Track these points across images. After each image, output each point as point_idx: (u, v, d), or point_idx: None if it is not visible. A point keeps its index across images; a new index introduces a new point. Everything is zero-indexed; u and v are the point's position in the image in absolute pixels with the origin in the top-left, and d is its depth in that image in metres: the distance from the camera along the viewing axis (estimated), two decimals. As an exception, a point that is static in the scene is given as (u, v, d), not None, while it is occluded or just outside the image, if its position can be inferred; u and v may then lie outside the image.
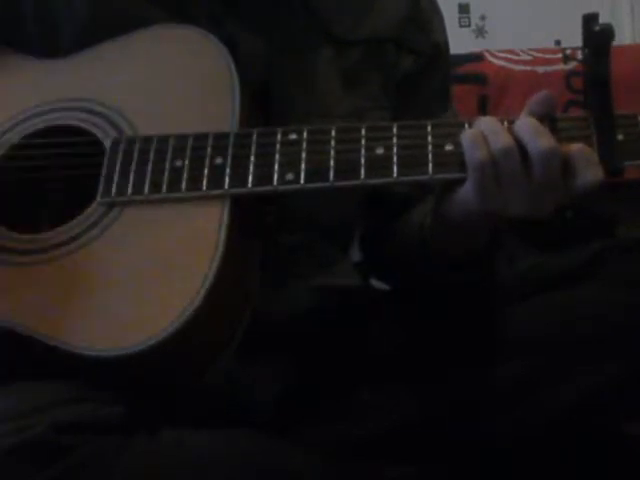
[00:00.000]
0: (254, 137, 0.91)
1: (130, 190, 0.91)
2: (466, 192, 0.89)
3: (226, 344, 0.89)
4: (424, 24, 1.15)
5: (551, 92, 0.90)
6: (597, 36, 0.87)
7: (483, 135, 0.87)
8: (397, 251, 1.10)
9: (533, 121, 0.87)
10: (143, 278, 0.87)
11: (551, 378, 0.99)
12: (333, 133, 0.91)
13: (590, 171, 0.86)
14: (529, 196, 0.87)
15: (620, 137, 0.88)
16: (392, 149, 0.89)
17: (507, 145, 0.86)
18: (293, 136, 0.91)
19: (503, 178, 0.87)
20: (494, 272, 1.04)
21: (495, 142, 0.86)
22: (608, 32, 0.87)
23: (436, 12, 1.17)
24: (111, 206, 0.91)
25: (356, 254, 1.17)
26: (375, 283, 1.21)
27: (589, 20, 0.87)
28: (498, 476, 1.02)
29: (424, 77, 1.14)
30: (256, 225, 0.94)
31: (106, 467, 0.78)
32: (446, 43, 1.18)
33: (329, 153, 0.90)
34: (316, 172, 0.90)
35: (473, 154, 0.87)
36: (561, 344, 1.00)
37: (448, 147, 0.89)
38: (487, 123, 0.88)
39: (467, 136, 0.88)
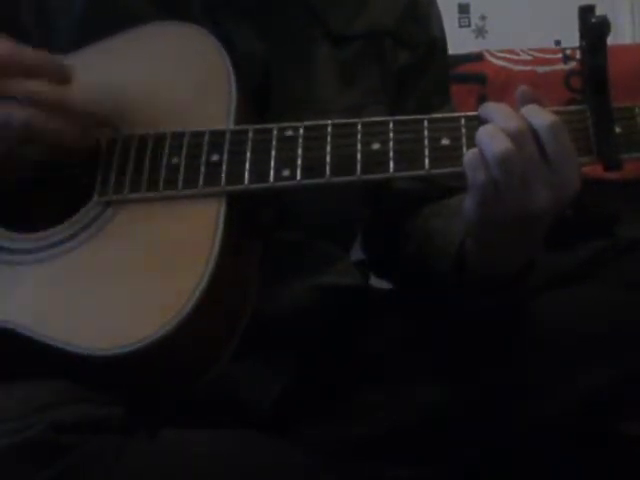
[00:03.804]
0: (250, 134, 0.91)
1: (127, 188, 0.91)
2: (468, 209, 0.89)
3: (225, 343, 0.89)
4: (421, 18, 1.15)
5: (525, 86, 0.89)
6: (594, 28, 0.86)
7: (482, 154, 0.86)
8: (420, 262, 1.08)
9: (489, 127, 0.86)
10: (140, 277, 0.87)
11: (551, 378, 0.99)
12: (329, 129, 0.91)
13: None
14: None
15: (618, 130, 0.87)
16: (388, 144, 0.89)
17: (503, 152, 0.84)
18: (289, 132, 0.91)
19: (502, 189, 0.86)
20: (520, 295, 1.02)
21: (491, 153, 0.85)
22: (604, 23, 0.86)
23: (433, 6, 1.17)
24: (108, 204, 0.91)
25: (356, 253, 1.17)
26: (375, 282, 1.21)
27: (585, 12, 0.87)
28: (498, 476, 1.02)
29: (421, 71, 1.14)
30: (254, 222, 0.94)
31: (106, 467, 0.78)
32: (443, 37, 1.18)
33: (325, 149, 0.90)
34: (312, 168, 0.89)
35: (475, 177, 0.86)
36: (561, 344, 1.00)
37: (444, 141, 0.89)
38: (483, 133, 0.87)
39: (467, 160, 0.87)
